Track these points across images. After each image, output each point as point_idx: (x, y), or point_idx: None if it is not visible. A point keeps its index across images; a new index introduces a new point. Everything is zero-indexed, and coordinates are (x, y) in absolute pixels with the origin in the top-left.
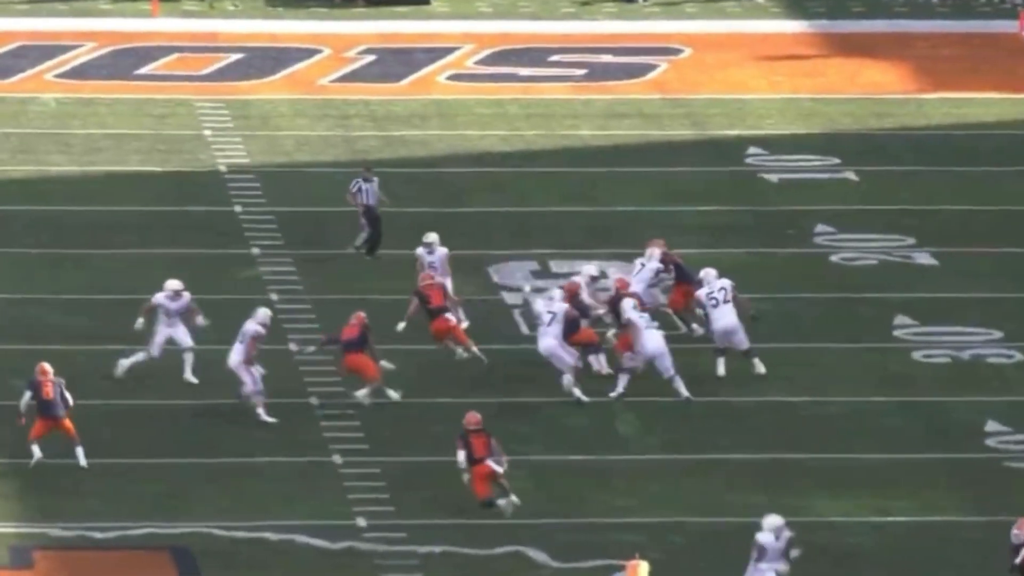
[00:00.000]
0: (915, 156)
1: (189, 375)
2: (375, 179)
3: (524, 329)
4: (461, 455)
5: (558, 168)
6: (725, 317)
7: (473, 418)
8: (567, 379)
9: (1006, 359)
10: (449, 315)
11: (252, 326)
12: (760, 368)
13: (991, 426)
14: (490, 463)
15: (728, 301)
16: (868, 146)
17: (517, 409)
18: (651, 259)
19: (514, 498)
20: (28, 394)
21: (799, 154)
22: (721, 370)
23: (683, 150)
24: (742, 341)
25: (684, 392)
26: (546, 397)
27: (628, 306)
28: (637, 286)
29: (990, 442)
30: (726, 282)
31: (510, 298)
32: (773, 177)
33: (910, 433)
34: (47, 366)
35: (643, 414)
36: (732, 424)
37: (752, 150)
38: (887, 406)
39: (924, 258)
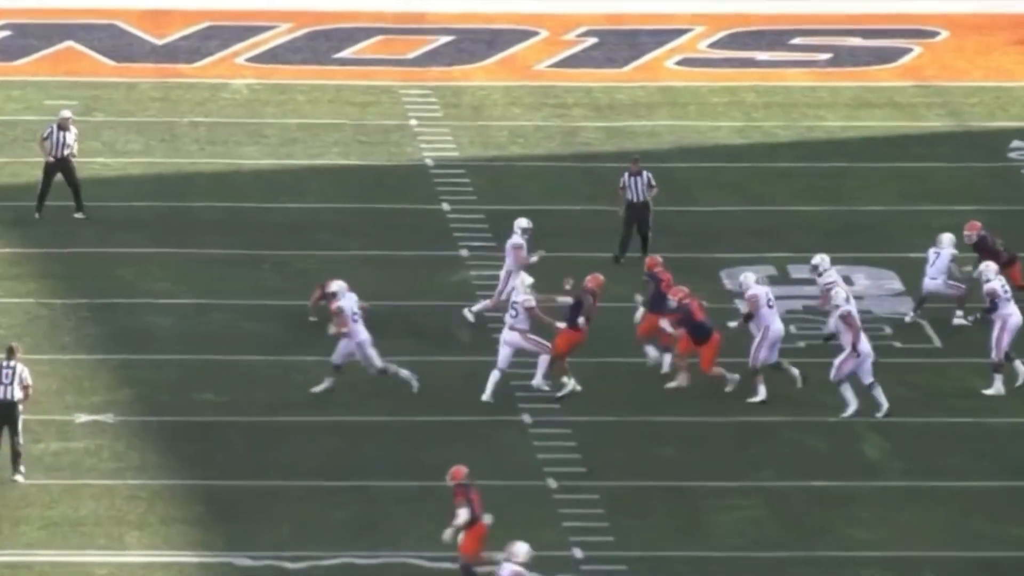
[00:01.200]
0: None
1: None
2: (644, 172)
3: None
4: (464, 513)
5: (800, 163)
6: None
7: (461, 472)
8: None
9: None
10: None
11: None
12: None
13: None
14: (485, 521)
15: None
16: None
17: (752, 430)
18: (946, 246)
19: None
20: None
21: None
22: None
23: (939, 143)
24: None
25: (883, 403)
26: (784, 416)
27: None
28: (937, 277)
29: None
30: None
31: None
32: None
33: None
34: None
35: (890, 435)
36: (989, 449)
37: (1016, 144)
38: None
39: None
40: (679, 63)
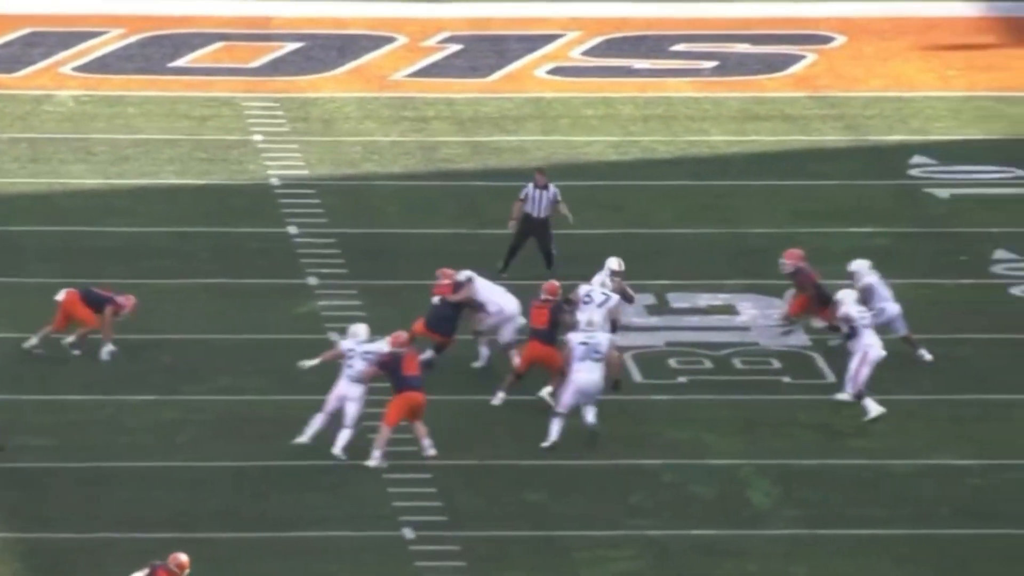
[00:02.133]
0: None
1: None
2: (551, 187)
3: (636, 376)
4: None
5: (682, 181)
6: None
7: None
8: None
9: None
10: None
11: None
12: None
13: None
14: None
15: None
16: None
17: (630, 474)
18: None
19: None
20: None
21: (975, 164)
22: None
23: (835, 159)
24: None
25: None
26: (666, 459)
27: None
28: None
29: None
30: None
31: (620, 339)
32: (943, 192)
33: None
34: None
35: (780, 479)
36: (885, 492)
37: (918, 159)
38: None
39: None
40: (550, 72)
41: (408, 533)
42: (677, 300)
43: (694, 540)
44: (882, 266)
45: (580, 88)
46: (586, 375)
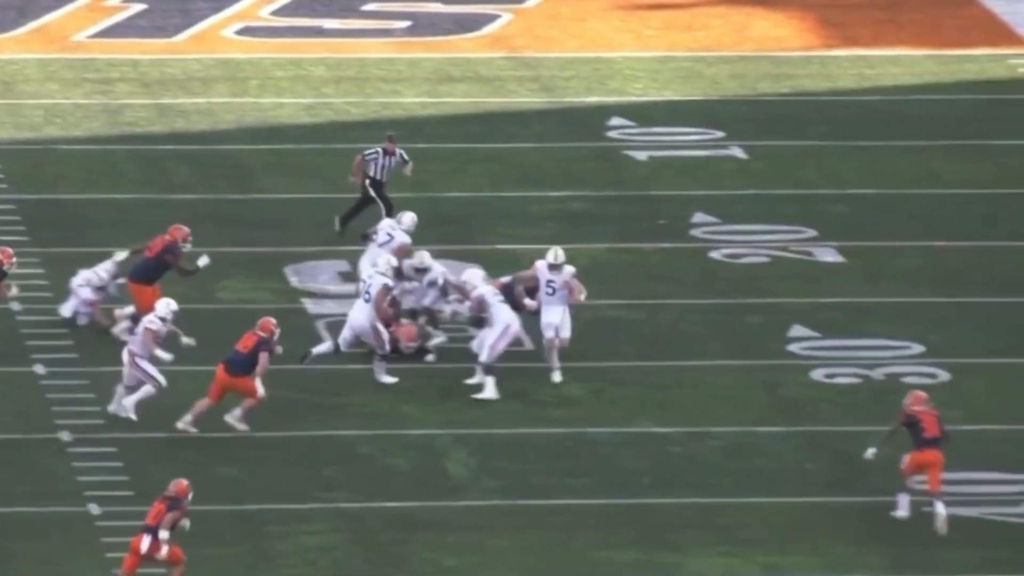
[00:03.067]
0: (818, 128)
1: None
2: (398, 152)
3: (331, 345)
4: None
5: (376, 144)
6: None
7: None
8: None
9: (928, 379)
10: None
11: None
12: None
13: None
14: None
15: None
16: (759, 116)
17: (325, 445)
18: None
19: None
20: None
21: (674, 126)
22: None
23: (531, 121)
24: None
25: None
26: (361, 430)
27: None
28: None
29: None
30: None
31: (313, 307)
32: (641, 154)
33: (810, 472)
34: None
35: (478, 450)
36: (586, 462)
37: (616, 121)
38: (781, 438)
39: (827, 255)
40: (238, 32)
41: (94, 509)
42: None
43: (390, 513)
44: (581, 230)
45: (270, 49)
46: (354, 313)
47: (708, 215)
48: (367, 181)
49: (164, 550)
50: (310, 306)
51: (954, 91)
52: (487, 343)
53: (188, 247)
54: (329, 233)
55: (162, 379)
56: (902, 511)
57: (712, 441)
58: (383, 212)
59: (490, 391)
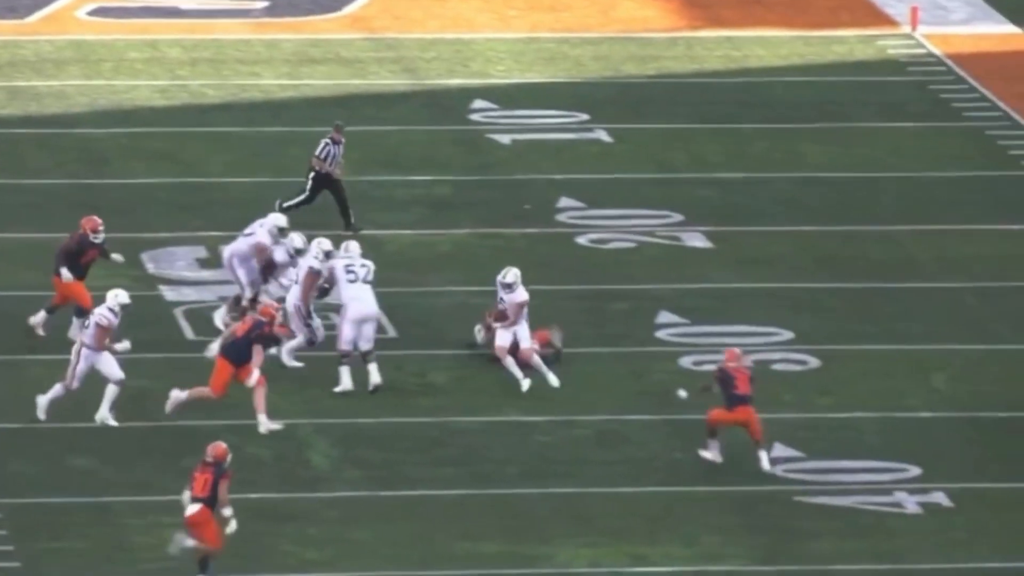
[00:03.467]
0: (684, 111)
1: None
2: (343, 141)
3: (188, 333)
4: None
5: (233, 127)
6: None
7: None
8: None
9: (797, 366)
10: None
11: None
12: (376, 378)
13: (779, 450)
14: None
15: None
16: (625, 98)
17: (185, 436)
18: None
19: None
20: None
21: (537, 109)
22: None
23: (393, 104)
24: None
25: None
26: (220, 420)
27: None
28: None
29: (778, 470)
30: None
31: (170, 293)
32: (505, 138)
33: (679, 461)
34: None
35: (340, 440)
36: (452, 451)
37: (478, 104)
38: (649, 426)
39: (695, 240)
40: (91, 13)
41: None
42: None
43: (252, 504)
44: (446, 215)
45: (124, 30)
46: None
47: (573, 199)
48: (311, 173)
49: (232, 524)
50: (168, 293)
51: (822, 72)
52: (340, 331)
53: (101, 237)
54: (185, 217)
55: (120, 372)
56: (711, 452)
57: (579, 430)
58: (298, 202)
59: (346, 382)
